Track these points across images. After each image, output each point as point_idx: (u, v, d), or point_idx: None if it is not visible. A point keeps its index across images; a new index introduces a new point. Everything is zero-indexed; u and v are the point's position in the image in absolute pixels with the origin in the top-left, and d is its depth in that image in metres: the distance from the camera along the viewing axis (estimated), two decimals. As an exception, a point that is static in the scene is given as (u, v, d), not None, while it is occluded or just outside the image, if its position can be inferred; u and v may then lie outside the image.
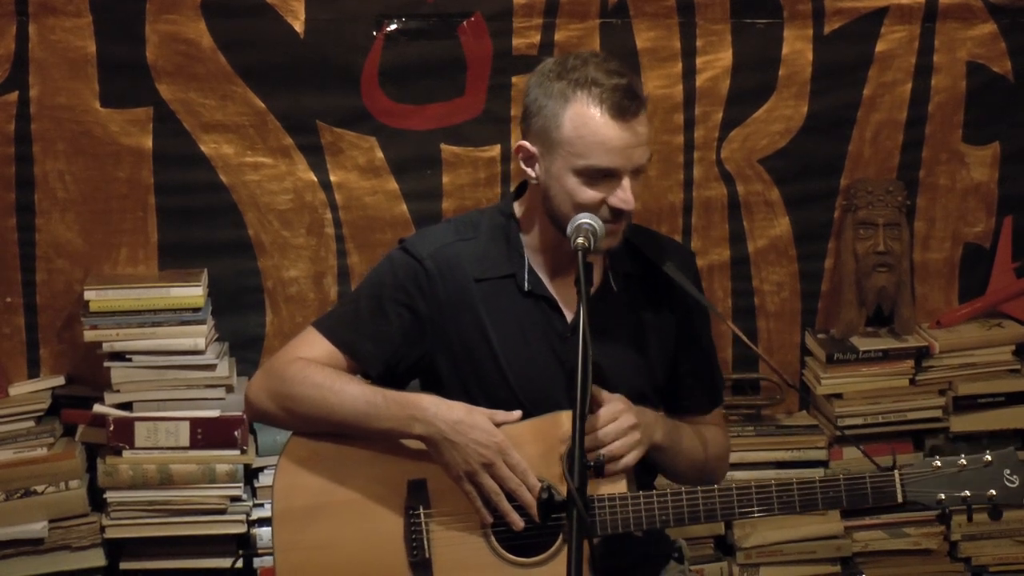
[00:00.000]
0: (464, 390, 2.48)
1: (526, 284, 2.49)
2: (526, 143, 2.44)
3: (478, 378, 2.49)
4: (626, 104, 2.36)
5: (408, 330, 2.50)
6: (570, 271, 2.48)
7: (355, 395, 2.43)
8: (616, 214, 2.38)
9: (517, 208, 2.55)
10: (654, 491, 2.39)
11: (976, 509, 2.41)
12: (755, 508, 2.38)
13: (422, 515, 2.42)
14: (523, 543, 2.39)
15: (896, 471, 2.38)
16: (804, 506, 2.38)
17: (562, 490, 2.36)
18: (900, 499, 2.38)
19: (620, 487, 2.37)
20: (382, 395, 2.43)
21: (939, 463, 2.38)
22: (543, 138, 2.41)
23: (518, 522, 2.37)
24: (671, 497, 2.37)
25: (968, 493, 2.37)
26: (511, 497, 2.37)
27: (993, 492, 2.36)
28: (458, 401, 2.42)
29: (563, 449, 2.36)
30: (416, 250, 2.51)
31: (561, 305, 2.50)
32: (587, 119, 2.36)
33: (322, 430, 2.47)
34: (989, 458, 2.38)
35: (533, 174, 2.45)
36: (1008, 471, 2.37)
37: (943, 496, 2.37)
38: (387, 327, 2.50)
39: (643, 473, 2.52)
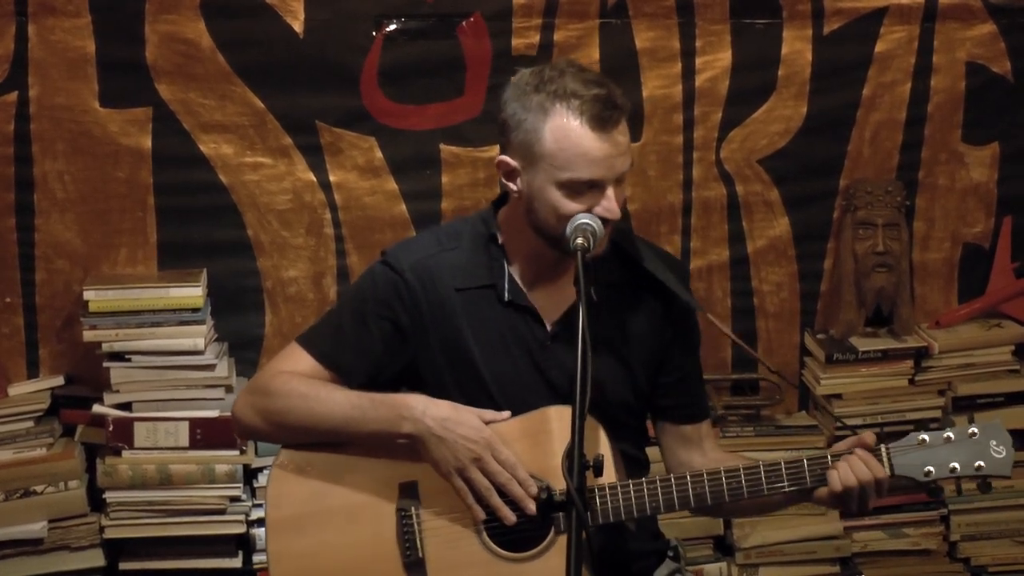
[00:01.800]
0: (447, 399, 2.47)
1: (506, 294, 2.48)
2: (506, 157, 2.42)
3: (460, 387, 2.49)
4: (606, 115, 2.33)
5: (390, 342, 2.50)
6: (551, 280, 2.48)
7: (341, 401, 2.43)
8: (601, 223, 2.38)
9: (499, 218, 2.54)
10: (643, 479, 2.39)
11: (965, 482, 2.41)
12: (744, 489, 2.37)
13: (414, 515, 2.42)
14: (515, 538, 2.39)
15: (883, 446, 2.38)
16: (793, 483, 2.37)
17: (557, 487, 2.36)
18: (888, 473, 2.37)
19: (610, 476, 2.37)
20: (368, 398, 2.43)
21: (926, 437, 2.37)
22: (524, 152, 2.38)
23: (509, 517, 2.37)
24: (660, 484, 2.37)
25: (956, 466, 2.36)
26: (502, 492, 2.38)
27: (981, 464, 2.35)
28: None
29: (559, 445, 2.36)
30: (397, 263, 2.50)
31: (541, 314, 2.50)
32: (568, 131, 2.33)
33: (311, 440, 2.46)
34: (975, 430, 2.37)
35: (515, 188, 2.43)
36: (994, 442, 2.36)
37: (931, 469, 2.36)
38: (369, 340, 2.49)
39: (635, 463, 2.52)
